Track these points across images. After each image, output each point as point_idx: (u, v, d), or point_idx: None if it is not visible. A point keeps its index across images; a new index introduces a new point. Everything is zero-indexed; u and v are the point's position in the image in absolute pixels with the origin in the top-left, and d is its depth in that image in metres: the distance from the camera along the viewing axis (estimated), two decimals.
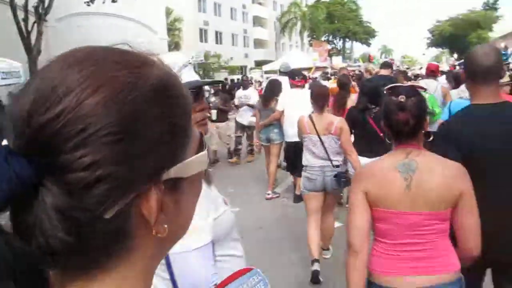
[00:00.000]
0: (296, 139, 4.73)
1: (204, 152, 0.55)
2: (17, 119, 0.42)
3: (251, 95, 9.06)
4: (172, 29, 33.34)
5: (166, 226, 0.47)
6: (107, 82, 0.43)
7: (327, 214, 4.25)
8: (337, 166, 4.02)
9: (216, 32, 41.90)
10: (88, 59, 0.45)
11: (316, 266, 3.91)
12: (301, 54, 25.35)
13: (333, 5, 54.17)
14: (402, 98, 1.81)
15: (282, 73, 8.63)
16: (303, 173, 4.27)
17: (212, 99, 9.48)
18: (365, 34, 58.06)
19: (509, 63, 18.07)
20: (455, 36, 56.75)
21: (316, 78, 21.21)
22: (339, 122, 4.05)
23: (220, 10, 42.71)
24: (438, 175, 1.75)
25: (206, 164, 0.56)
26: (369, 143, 4.11)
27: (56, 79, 0.43)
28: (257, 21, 52.38)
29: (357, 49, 75.94)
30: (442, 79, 8.85)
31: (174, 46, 33.67)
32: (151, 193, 0.45)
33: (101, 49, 0.49)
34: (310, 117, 4.12)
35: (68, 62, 0.45)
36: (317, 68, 25.08)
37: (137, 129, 0.44)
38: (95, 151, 0.41)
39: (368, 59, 54.82)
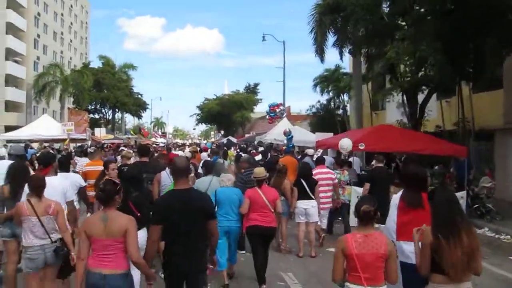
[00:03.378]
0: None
1: None
2: None
3: None
4: None
5: None
6: None
7: (51, 285, 5.00)
8: (55, 242, 4.87)
9: None
10: None
11: None
12: (51, 122, 21.32)
13: (102, 73, 51.18)
14: (102, 185, 4.05)
15: (11, 156, 7.50)
16: (23, 255, 4.91)
17: None
18: (136, 106, 56.31)
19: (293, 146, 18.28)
20: (222, 114, 60.21)
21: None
22: (56, 205, 4.97)
23: None
24: (119, 221, 3.86)
25: None
26: None
27: None
28: (11, 81, 45.43)
29: (130, 120, 73.90)
30: None
31: None
32: None
33: None
34: (28, 201, 4.81)
35: None
36: (73, 140, 21.62)
37: None
38: None
39: (140, 131, 53.13)
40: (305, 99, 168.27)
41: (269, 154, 15.84)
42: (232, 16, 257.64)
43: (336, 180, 9.45)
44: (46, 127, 20.08)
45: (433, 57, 10.10)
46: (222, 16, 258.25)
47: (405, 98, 14.81)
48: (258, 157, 12.98)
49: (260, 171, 6.69)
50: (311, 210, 8.25)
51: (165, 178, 7.20)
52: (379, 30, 14.65)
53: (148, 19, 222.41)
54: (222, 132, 70.21)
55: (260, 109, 63.02)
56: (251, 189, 6.69)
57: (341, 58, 21.26)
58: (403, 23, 14.11)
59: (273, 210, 6.48)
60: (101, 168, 7.99)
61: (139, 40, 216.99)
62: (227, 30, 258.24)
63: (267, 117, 24.22)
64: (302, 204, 8.21)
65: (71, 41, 63.58)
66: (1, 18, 42.34)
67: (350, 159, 14.38)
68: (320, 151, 13.18)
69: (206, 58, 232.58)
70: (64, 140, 19.98)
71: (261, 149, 18.33)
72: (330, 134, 16.27)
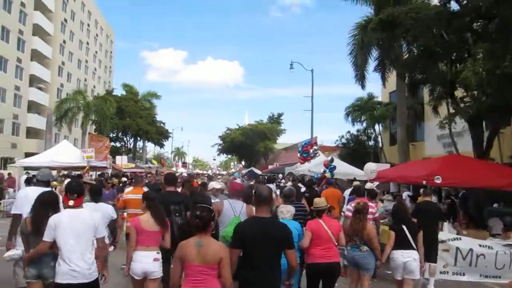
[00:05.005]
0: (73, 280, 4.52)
1: None
2: None
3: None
4: None
5: None
6: None
7: None
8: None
9: None
10: None
11: None
12: (71, 149, 20.00)
13: (125, 100, 50.49)
14: (198, 211, 4.07)
15: (39, 182, 6.72)
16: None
17: None
18: (158, 134, 55.23)
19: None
20: (244, 144, 58.82)
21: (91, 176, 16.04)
22: None
23: None
24: (213, 247, 3.96)
25: None
26: None
27: None
28: (34, 107, 44.98)
29: (150, 149, 73.01)
30: None
31: None
32: None
33: None
34: None
35: None
36: (93, 168, 20.26)
37: None
38: None
39: (160, 161, 51.91)
40: (330, 131, 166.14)
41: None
42: (252, 49, 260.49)
43: (377, 214, 8.81)
44: (65, 153, 18.72)
45: None
46: (242, 49, 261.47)
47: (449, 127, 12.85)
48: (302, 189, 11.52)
49: (321, 201, 6.23)
50: (413, 264, 6.35)
51: (228, 209, 6.27)
52: (433, 50, 13.11)
53: (171, 51, 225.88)
54: (243, 163, 68.70)
55: (284, 140, 61.64)
56: (313, 220, 6.11)
57: (384, 83, 19.80)
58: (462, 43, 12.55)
59: (336, 244, 5.93)
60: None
61: (161, 72, 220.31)
62: (247, 62, 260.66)
63: (299, 156, 22.13)
64: (401, 256, 6.37)
65: (95, 69, 63.66)
66: (27, 44, 42.18)
67: (405, 193, 12.61)
68: (375, 183, 11.41)
69: (226, 90, 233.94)
70: (83, 167, 18.60)
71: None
72: (387, 166, 14.42)
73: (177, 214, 6.62)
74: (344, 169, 19.79)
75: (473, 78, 8.92)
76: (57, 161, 17.95)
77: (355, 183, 12.07)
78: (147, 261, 5.28)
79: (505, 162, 16.56)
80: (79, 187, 4.99)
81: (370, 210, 7.90)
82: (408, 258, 6.32)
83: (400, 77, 15.60)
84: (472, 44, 12.26)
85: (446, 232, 8.43)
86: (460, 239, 8.12)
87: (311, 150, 21.18)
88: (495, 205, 13.38)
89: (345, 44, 19.34)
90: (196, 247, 3.90)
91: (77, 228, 4.60)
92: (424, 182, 8.39)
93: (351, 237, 6.23)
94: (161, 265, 5.44)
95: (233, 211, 6.15)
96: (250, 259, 4.16)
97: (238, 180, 16.92)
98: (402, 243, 6.37)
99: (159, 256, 5.41)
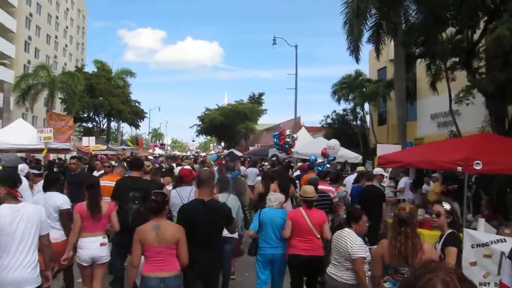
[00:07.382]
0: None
1: None
2: None
3: None
4: None
5: None
6: None
7: None
8: None
9: None
10: None
11: None
12: (27, 128, 17.53)
13: (96, 78, 47.36)
14: (153, 196, 4.43)
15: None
16: None
17: None
18: (133, 114, 52.30)
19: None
20: (225, 125, 56.66)
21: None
22: None
23: None
24: (170, 229, 4.31)
25: None
26: None
27: None
28: None
29: (127, 130, 70.00)
30: None
31: None
32: None
33: None
34: None
35: None
36: (54, 151, 18.01)
37: None
38: None
39: (137, 142, 49.37)
40: (313, 114, 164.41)
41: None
42: (233, 30, 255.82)
43: (337, 198, 8.48)
44: (19, 133, 16.30)
45: None
46: (222, 29, 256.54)
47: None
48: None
49: (309, 190, 5.83)
50: None
51: (175, 198, 6.35)
52: (440, 14, 11.32)
53: (149, 31, 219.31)
54: (223, 144, 66.56)
55: (265, 120, 59.73)
56: (294, 209, 6.11)
57: (377, 56, 17.93)
58: None
59: (319, 236, 5.59)
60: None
61: (139, 51, 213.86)
62: (227, 43, 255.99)
63: (284, 153, 19.22)
64: None
65: (66, 46, 60.09)
66: None
67: (403, 181, 10.95)
68: (389, 170, 9.51)
69: (205, 71, 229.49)
70: (41, 150, 16.30)
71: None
72: (397, 147, 12.46)
73: (136, 202, 6.25)
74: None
75: (509, 37, 7.07)
76: (9, 142, 15.55)
77: (359, 168, 10.24)
78: (93, 247, 5.33)
79: None
80: (14, 177, 4.34)
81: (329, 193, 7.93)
82: None
83: (402, 46, 13.75)
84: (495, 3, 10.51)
85: (482, 231, 6.66)
86: (505, 240, 6.36)
87: (287, 139, 18.41)
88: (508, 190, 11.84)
89: (330, 25, 17.60)
90: (155, 230, 4.25)
91: (20, 228, 3.96)
92: (459, 168, 6.55)
93: (395, 266, 3.94)
94: (108, 249, 5.53)
95: (181, 199, 6.17)
96: (193, 238, 4.49)
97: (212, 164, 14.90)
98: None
99: (106, 240, 5.48)
